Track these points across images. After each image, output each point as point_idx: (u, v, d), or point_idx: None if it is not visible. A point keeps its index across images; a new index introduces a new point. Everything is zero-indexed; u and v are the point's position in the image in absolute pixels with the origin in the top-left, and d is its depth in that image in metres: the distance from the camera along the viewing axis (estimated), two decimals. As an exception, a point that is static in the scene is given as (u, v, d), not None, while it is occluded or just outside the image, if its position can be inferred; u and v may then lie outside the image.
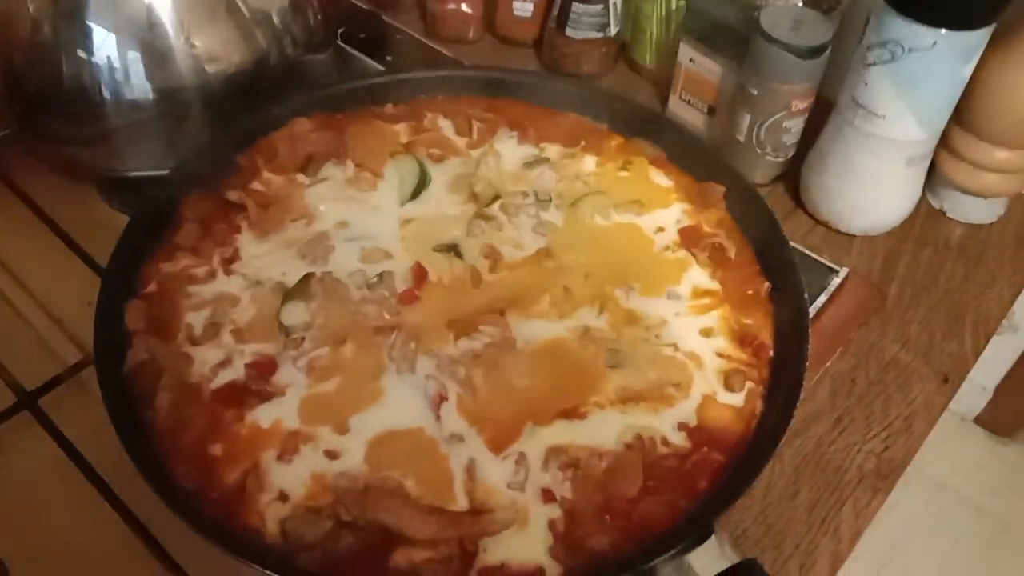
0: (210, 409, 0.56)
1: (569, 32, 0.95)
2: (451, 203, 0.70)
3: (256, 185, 0.70)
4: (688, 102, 0.91)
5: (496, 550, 0.51)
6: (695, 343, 0.62)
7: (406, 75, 0.79)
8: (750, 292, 0.65)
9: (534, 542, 0.52)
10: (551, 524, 0.53)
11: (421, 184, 0.70)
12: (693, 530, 0.51)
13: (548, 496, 0.54)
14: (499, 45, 1.04)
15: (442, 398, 0.57)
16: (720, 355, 0.61)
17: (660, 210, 0.70)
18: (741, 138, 0.82)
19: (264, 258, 0.65)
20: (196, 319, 0.61)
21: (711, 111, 0.89)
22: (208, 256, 0.65)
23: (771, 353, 0.62)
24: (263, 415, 0.56)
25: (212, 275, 0.64)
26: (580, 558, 0.51)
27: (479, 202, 0.70)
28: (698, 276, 0.66)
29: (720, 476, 0.55)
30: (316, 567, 0.49)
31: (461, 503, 0.53)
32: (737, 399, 0.59)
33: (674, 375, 0.60)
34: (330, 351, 0.59)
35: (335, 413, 0.56)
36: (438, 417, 0.56)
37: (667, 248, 0.68)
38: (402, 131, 0.75)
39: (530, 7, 1.00)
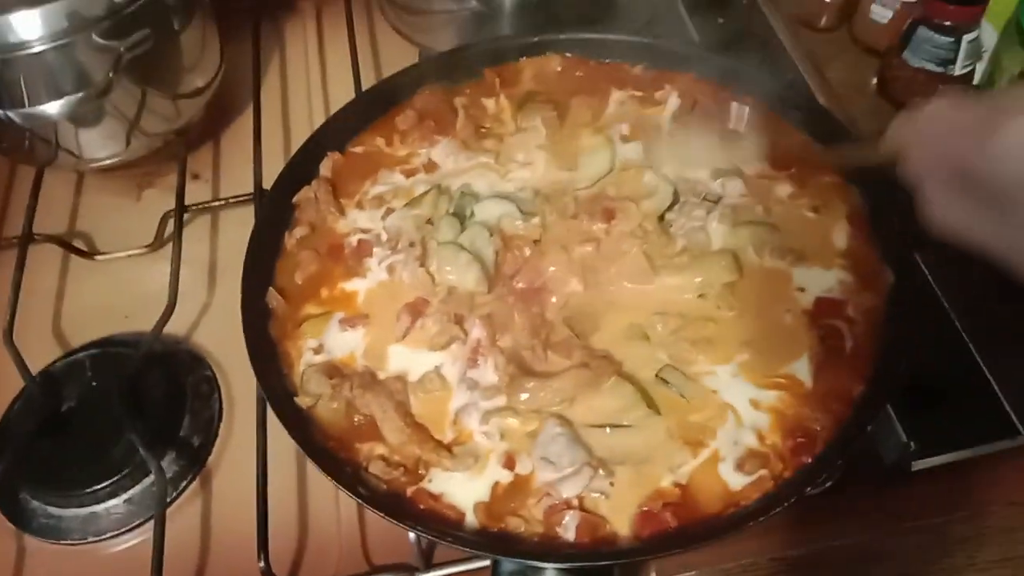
0: (323, 259, 0.67)
1: (905, 55, 0.83)
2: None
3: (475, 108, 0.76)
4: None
5: (440, 483, 0.56)
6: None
7: (677, 47, 0.77)
8: (837, 396, 0.56)
9: (472, 491, 0.55)
10: (495, 486, 0.55)
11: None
12: None
13: (509, 463, 0.56)
14: (848, 43, 0.94)
15: (475, 360, 0.61)
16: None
17: (817, 269, 0.62)
18: None
19: (452, 169, 0.72)
20: (372, 190, 0.71)
21: None
22: (412, 147, 0.73)
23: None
24: (350, 284, 0.66)
25: (411, 172, 0.72)
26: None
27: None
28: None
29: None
30: (305, 414, 0.59)
31: (440, 435, 0.58)
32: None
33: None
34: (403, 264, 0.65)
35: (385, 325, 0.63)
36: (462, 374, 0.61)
37: (790, 312, 0.60)
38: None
39: (889, 13, 0.88)
